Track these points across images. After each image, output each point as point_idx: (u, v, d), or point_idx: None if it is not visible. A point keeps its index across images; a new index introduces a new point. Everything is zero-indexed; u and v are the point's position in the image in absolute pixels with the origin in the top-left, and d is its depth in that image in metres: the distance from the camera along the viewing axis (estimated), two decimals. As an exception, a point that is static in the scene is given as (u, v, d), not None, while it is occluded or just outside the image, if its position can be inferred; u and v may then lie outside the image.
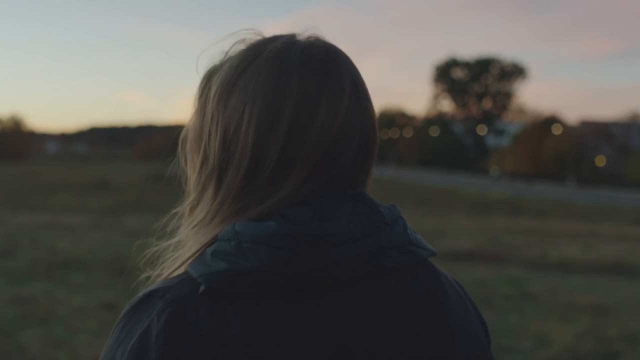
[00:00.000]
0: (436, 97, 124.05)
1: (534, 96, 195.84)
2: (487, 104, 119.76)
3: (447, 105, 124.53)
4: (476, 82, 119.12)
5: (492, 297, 12.17)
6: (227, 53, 1.41)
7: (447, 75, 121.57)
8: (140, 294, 1.28)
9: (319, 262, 1.25)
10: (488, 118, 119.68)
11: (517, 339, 9.63)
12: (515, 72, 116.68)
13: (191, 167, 1.43)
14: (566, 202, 43.60)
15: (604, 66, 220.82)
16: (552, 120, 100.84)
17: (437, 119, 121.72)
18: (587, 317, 11.02)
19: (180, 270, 1.34)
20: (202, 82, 1.42)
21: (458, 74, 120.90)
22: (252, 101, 1.31)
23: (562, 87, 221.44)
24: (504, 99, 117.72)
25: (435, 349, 1.32)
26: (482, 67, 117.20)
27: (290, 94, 1.30)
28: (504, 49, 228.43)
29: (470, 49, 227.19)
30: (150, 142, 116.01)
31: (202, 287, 1.24)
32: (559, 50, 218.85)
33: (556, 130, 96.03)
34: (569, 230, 25.01)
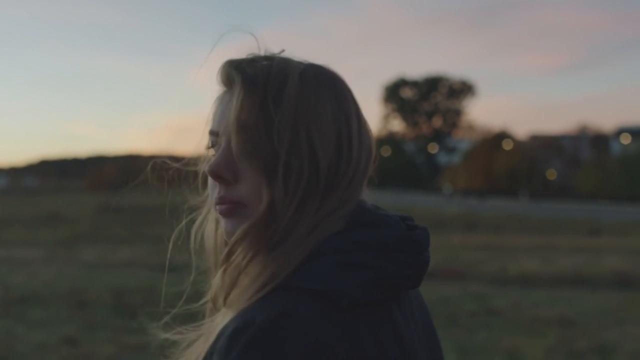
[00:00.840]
0: (386, 117, 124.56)
1: (484, 113, 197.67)
2: (437, 122, 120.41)
3: (397, 125, 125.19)
4: (425, 101, 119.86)
5: (457, 315, 12.13)
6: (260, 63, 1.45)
7: (396, 95, 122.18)
8: (263, 319, 1.25)
9: (424, 265, 1.42)
10: (439, 136, 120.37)
11: (488, 356, 9.58)
12: (464, 89, 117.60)
13: (260, 179, 1.40)
14: (520, 216, 43.83)
15: (551, 80, 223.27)
16: (502, 135, 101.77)
17: (388, 139, 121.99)
18: (555, 331, 11.00)
19: (262, 291, 1.33)
20: (264, 94, 1.40)
21: (407, 93, 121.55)
22: (345, 118, 1.44)
23: (510, 103, 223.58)
24: (453, 116, 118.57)
25: (439, 348, 1.56)
26: (431, 85, 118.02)
27: (353, 114, 1.47)
28: (452, 67, 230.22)
29: (418, 68, 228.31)
30: (102, 173, 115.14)
31: (343, 301, 1.29)
32: (506, 66, 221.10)
33: (506, 145, 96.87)
34: (526, 244, 25.12)
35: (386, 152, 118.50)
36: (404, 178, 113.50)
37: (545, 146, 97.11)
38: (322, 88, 1.44)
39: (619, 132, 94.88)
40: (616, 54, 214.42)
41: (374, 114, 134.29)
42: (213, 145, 1.48)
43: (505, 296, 14.03)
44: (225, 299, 1.40)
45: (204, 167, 1.55)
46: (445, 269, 17.33)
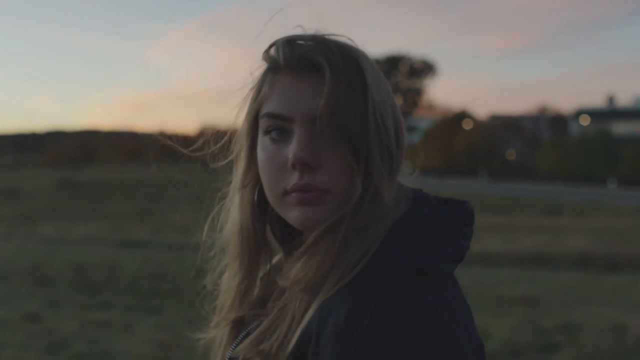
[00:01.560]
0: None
1: (444, 92, 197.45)
2: (398, 101, 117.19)
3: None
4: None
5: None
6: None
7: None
8: (378, 298, 1.27)
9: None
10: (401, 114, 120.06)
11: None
12: (424, 69, 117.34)
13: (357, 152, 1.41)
14: (480, 196, 43.96)
15: (511, 61, 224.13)
16: (462, 115, 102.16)
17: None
18: (521, 309, 11.07)
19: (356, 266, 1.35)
20: (351, 66, 1.43)
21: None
22: (393, 98, 1.50)
23: (471, 83, 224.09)
24: (414, 95, 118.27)
25: None
26: (392, 64, 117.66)
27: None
28: (413, 46, 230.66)
29: (379, 47, 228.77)
30: (60, 148, 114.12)
31: (436, 274, 1.36)
32: (467, 46, 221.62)
33: (467, 125, 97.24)
34: (486, 223, 25.17)
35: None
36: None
37: (505, 126, 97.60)
38: (377, 68, 1.49)
39: (578, 113, 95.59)
40: (576, 35, 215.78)
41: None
42: (277, 129, 1.46)
43: (467, 274, 14.02)
44: (308, 284, 1.38)
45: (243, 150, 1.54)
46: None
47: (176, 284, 13.11)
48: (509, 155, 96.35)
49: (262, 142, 1.48)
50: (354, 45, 1.49)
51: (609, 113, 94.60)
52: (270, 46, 1.51)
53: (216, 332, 1.67)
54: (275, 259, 1.64)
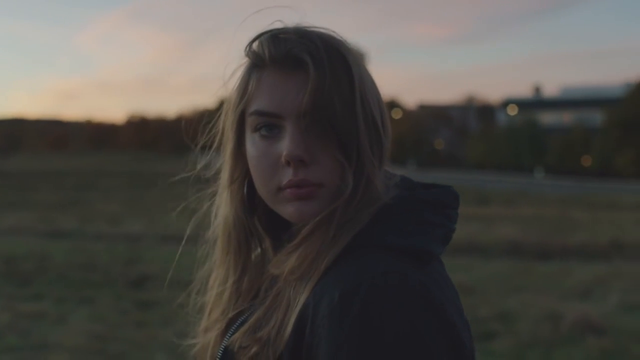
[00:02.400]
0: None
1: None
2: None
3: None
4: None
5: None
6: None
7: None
8: (371, 278, 1.29)
9: None
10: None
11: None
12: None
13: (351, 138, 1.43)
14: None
15: (440, 51, 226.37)
16: (391, 104, 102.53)
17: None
18: (456, 298, 11.04)
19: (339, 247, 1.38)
20: (338, 57, 1.45)
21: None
22: (376, 86, 1.53)
23: (400, 72, 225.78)
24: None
25: None
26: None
27: None
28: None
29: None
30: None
31: (426, 256, 1.37)
32: (397, 35, 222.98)
33: (396, 114, 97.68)
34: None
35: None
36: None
37: (434, 116, 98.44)
38: (361, 58, 1.51)
39: (506, 103, 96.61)
40: (504, 27, 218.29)
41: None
42: (266, 126, 1.46)
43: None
44: (303, 273, 1.39)
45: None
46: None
47: (108, 274, 12.96)
48: (437, 144, 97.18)
49: (252, 138, 1.48)
50: (336, 36, 1.49)
51: (536, 103, 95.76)
52: (253, 41, 1.50)
53: (207, 336, 1.64)
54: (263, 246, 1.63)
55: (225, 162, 1.58)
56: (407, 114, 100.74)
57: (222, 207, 1.62)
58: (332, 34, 1.49)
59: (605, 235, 18.95)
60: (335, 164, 1.41)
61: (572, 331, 9.12)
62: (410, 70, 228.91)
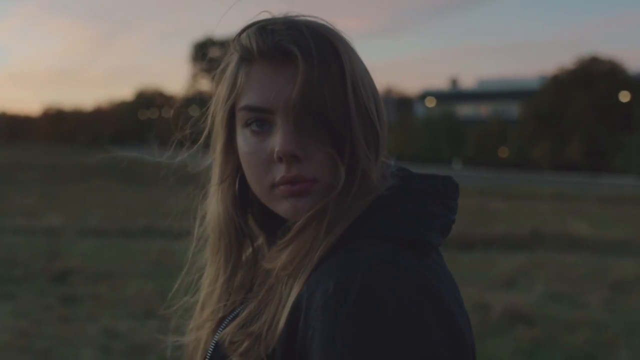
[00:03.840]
0: (194, 77, 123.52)
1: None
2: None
3: (205, 84, 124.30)
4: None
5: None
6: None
7: (204, 54, 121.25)
8: (368, 268, 1.26)
9: None
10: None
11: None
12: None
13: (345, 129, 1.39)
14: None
15: (358, 44, 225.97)
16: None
17: (197, 98, 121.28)
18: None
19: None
20: (329, 48, 1.41)
21: (216, 52, 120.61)
22: (368, 74, 1.48)
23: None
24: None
25: None
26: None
27: None
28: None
29: (226, 28, 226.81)
30: None
31: (425, 246, 1.34)
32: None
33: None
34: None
35: (194, 111, 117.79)
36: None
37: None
38: (352, 46, 1.47)
39: (423, 95, 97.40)
40: (421, 20, 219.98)
41: (183, 72, 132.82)
42: (257, 121, 1.43)
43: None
44: (296, 269, 1.36)
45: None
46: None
47: (29, 268, 12.69)
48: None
49: (243, 134, 1.45)
50: (326, 24, 1.46)
51: (453, 95, 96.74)
52: (240, 34, 1.45)
53: (198, 334, 1.59)
54: (256, 244, 1.61)
55: (215, 159, 1.55)
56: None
57: (212, 205, 1.57)
58: (321, 22, 1.46)
59: (526, 226, 19.19)
60: (329, 158, 1.38)
61: (501, 321, 9.20)
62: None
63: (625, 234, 18.69)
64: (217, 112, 1.52)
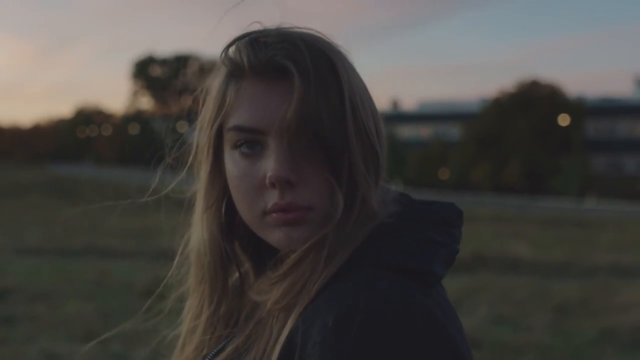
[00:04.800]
0: (135, 94, 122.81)
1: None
2: (187, 100, 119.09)
3: (146, 103, 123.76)
4: (175, 79, 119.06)
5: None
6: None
7: (145, 71, 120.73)
8: (369, 299, 1.15)
9: None
10: (188, 114, 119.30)
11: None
12: (214, 68, 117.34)
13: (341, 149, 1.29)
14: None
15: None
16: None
17: (137, 116, 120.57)
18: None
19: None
20: (321, 61, 1.30)
21: (157, 70, 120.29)
22: (367, 91, 1.38)
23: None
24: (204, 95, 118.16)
25: None
26: (181, 63, 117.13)
27: None
28: (202, 46, 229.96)
29: (169, 46, 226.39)
30: None
31: (430, 277, 1.24)
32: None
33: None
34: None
35: (134, 129, 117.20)
36: (152, 157, 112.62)
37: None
38: (350, 61, 1.38)
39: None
40: (362, 41, 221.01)
41: (123, 90, 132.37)
42: (247, 142, 1.31)
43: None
44: (290, 304, 1.25)
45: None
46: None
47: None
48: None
49: (232, 156, 1.34)
50: (323, 38, 1.36)
51: (394, 117, 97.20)
52: (228, 46, 1.35)
53: None
54: (242, 269, 1.50)
55: (201, 182, 1.43)
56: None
57: (196, 232, 1.45)
58: (317, 35, 1.36)
59: (468, 248, 19.21)
60: (326, 183, 1.28)
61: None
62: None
63: (565, 255, 18.81)
64: (202, 132, 1.41)
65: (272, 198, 1.28)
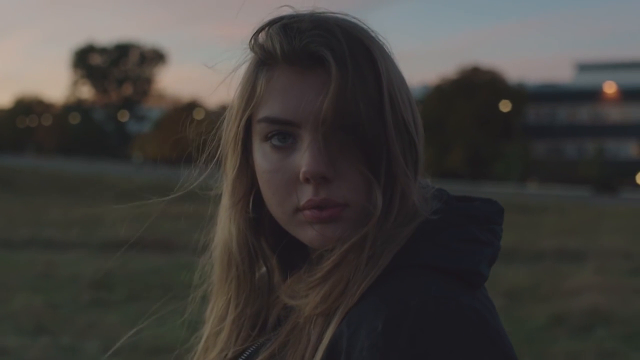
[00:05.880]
0: (75, 84, 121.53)
1: (175, 81, 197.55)
2: (128, 89, 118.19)
3: (87, 92, 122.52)
4: (115, 68, 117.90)
5: (172, 285, 11.70)
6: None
7: (85, 60, 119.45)
8: (420, 302, 1.10)
9: None
10: (129, 104, 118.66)
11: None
12: (155, 57, 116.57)
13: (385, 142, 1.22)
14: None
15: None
16: (193, 104, 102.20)
17: (77, 106, 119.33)
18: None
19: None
20: (364, 51, 1.23)
21: (97, 59, 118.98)
22: (404, 79, 1.31)
23: (201, 72, 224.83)
24: (144, 84, 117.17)
25: None
26: (122, 52, 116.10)
27: None
28: (143, 34, 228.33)
29: (109, 34, 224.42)
30: None
31: (477, 278, 1.19)
32: (197, 35, 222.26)
33: (198, 114, 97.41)
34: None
35: (75, 119, 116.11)
36: (93, 146, 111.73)
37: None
38: (388, 49, 1.30)
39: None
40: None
41: (63, 79, 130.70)
42: (279, 135, 1.24)
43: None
44: (330, 309, 1.17)
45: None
46: (152, 239, 16.85)
47: None
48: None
49: (261, 149, 1.27)
50: (359, 24, 1.28)
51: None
52: (258, 32, 1.28)
53: None
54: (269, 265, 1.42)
55: (227, 177, 1.36)
56: (209, 114, 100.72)
57: (222, 228, 1.38)
58: (353, 21, 1.28)
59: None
60: (363, 178, 1.21)
61: None
62: (211, 70, 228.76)
63: (512, 240, 18.89)
64: (230, 123, 1.33)
65: (306, 194, 1.21)
